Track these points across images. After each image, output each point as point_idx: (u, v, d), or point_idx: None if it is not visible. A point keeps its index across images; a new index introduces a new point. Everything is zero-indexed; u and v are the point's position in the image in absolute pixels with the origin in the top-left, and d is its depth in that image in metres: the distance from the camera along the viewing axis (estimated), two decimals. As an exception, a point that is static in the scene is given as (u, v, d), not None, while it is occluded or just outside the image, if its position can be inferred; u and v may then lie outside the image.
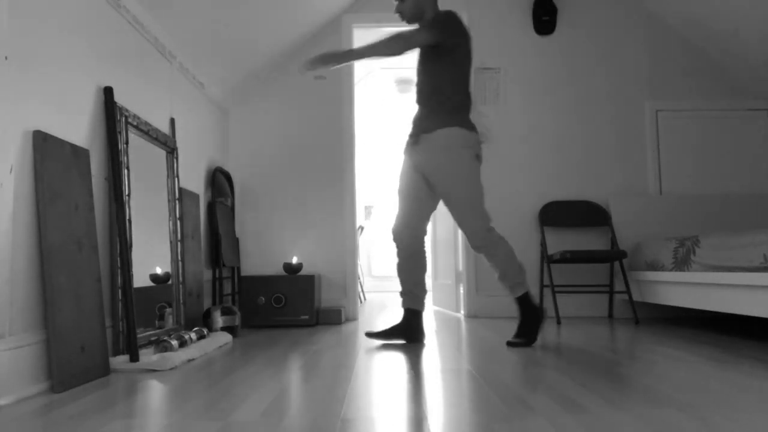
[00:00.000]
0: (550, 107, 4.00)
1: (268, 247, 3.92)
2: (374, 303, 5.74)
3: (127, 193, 2.22)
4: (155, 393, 1.60)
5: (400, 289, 2.68)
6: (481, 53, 4.01)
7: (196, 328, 2.55)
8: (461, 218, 2.48)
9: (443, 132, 2.47)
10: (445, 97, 2.51)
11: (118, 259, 2.12)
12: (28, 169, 1.69)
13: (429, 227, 4.99)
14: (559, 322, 3.39)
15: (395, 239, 2.66)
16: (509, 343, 2.47)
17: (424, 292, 2.67)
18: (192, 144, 3.21)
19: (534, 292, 3.87)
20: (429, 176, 2.53)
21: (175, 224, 2.74)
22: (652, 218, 3.79)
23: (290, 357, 2.23)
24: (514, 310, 3.86)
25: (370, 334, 2.60)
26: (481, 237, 2.46)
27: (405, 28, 4.07)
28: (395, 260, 2.69)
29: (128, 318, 2.08)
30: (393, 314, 4.25)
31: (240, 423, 1.26)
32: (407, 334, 2.61)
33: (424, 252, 2.66)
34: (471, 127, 2.51)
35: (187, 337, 2.35)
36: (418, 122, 2.57)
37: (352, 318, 3.89)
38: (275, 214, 3.94)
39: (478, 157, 2.51)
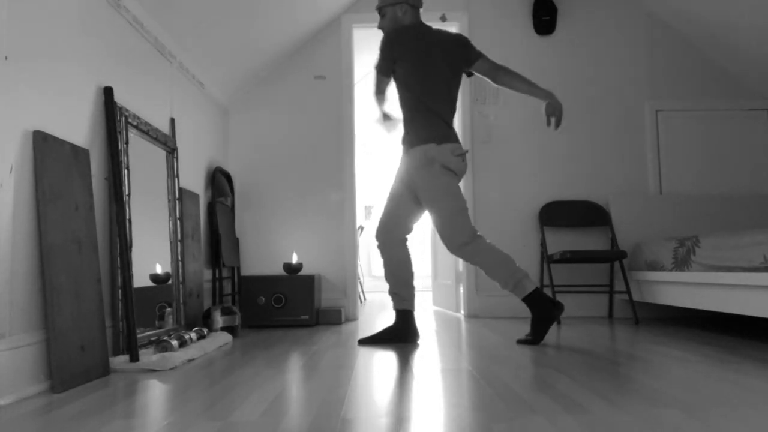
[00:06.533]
0: (550, 107, 4.00)
1: (268, 247, 3.92)
2: (374, 303, 5.74)
3: (127, 193, 2.22)
4: (155, 393, 1.60)
5: (389, 290, 2.72)
6: (481, 53, 4.02)
7: (196, 328, 2.55)
8: (440, 229, 2.55)
9: (414, 152, 2.56)
10: (406, 118, 2.63)
11: (118, 259, 2.12)
12: (28, 169, 1.69)
13: (429, 227, 4.97)
14: (559, 322, 3.39)
15: (376, 240, 2.72)
16: (518, 341, 2.52)
17: (411, 292, 2.68)
18: (192, 144, 3.21)
19: (534, 292, 3.87)
20: (413, 189, 2.62)
21: (175, 224, 2.74)
22: (652, 218, 3.79)
23: (290, 357, 2.23)
24: (514, 310, 3.86)
25: (363, 341, 2.60)
26: (456, 248, 2.52)
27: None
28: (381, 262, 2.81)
29: (128, 318, 2.08)
30: (392, 314, 4.25)
31: (240, 423, 1.26)
32: (400, 335, 2.62)
33: (406, 254, 2.68)
34: (440, 140, 2.52)
35: (187, 337, 2.35)
36: (403, 136, 2.66)
37: (352, 318, 3.89)
38: (275, 214, 3.94)
39: (448, 170, 2.52)
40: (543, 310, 2.45)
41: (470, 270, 3.92)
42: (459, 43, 2.65)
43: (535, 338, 2.47)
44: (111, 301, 2.14)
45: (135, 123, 2.35)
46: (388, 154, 8.45)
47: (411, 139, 2.58)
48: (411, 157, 2.56)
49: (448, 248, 2.55)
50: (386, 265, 2.69)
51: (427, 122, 2.55)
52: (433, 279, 4.93)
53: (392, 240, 2.66)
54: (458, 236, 2.49)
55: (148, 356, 2.06)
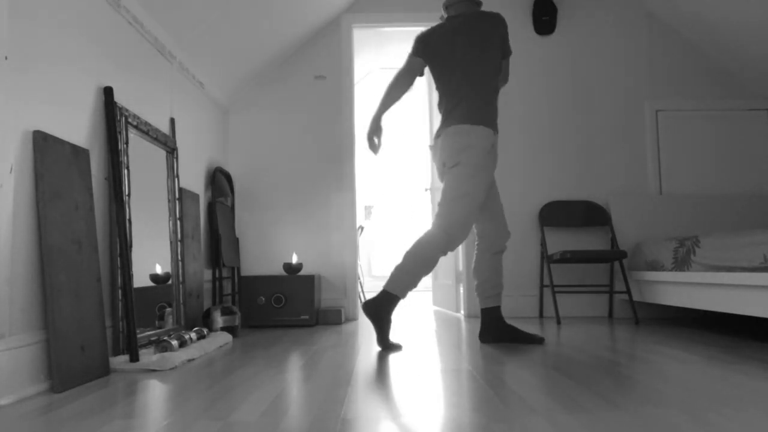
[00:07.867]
0: (549, 107, 4.00)
1: (268, 247, 3.92)
2: (374, 303, 5.72)
3: (127, 193, 2.22)
4: (155, 393, 1.60)
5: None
6: (481, 53, 4.01)
7: (196, 328, 2.55)
8: (503, 212, 2.65)
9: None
10: (486, 99, 2.64)
11: (118, 259, 2.12)
12: (28, 169, 1.69)
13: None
14: (559, 322, 3.39)
15: (459, 245, 2.54)
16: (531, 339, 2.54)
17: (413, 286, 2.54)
18: (192, 144, 3.21)
19: (534, 292, 3.87)
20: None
21: (175, 224, 2.73)
22: (652, 218, 3.79)
23: (290, 357, 2.23)
24: (513, 309, 3.86)
25: (383, 346, 2.44)
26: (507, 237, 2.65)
27: (400, 29, 4.10)
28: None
29: (128, 318, 2.08)
30: (393, 315, 4.25)
31: (240, 423, 1.26)
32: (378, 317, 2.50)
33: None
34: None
35: (187, 337, 2.35)
36: (492, 115, 2.58)
37: (352, 318, 3.89)
38: (275, 214, 3.94)
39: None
40: (498, 329, 2.58)
41: (470, 270, 3.92)
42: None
43: (482, 337, 2.60)
44: (111, 301, 2.14)
45: (135, 123, 2.35)
46: (388, 154, 8.44)
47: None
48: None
49: (506, 239, 2.62)
50: (427, 264, 2.44)
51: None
52: (433, 279, 4.93)
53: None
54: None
55: (148, 356, 2.06)
